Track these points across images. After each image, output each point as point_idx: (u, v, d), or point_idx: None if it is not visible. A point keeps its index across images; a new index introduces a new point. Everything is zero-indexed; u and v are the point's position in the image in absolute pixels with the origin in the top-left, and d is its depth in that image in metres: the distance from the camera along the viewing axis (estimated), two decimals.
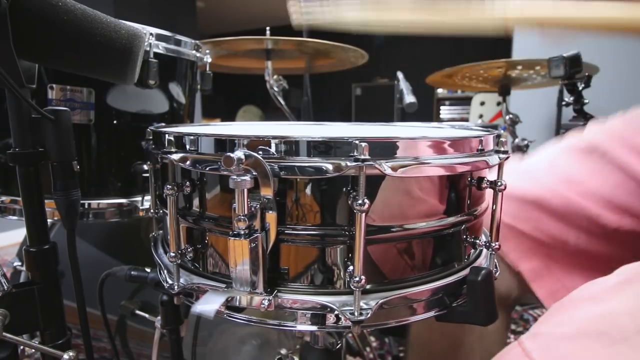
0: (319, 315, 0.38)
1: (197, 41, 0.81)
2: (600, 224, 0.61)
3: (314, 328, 0.39)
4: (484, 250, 0.49)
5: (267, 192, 0.35)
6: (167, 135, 0.41)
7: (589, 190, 0.62)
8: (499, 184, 0.43)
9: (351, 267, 0.37)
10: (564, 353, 0.36)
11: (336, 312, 0.37)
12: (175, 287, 0.42)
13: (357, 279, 0.36)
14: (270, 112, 5.21)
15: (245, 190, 0.34)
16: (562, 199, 0.63)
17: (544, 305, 0.66)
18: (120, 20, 0.48)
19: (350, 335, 0.91)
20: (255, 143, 0.36)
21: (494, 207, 0.45)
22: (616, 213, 0.60)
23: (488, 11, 0.61)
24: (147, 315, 0.69)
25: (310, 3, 0.69)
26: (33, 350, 0.66)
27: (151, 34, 0.68)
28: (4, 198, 0.69)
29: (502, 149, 0.44)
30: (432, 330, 0.76)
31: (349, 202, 0.36)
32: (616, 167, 0.61)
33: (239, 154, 0.33)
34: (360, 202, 0.34)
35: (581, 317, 0.39)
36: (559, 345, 0.37)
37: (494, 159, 0.42)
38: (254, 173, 0.34)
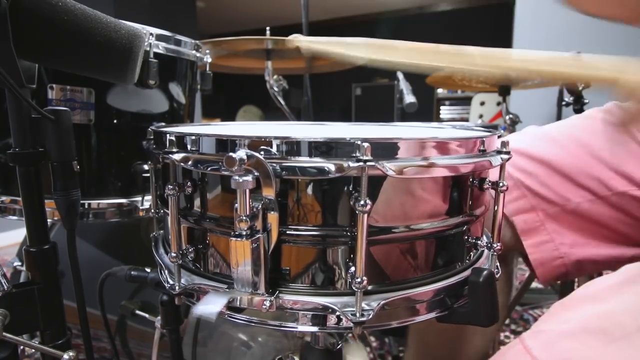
0: (320, 316, 0.38)
1: (197, 41, 0.81)
2: (608, 186, 0.62)
3: (315, 329, 0.39)
4: (486, 251, 0.49)
5: (268, 193, 0.35)
6: (168, 135, 0.41)
7: (602, 154, 0.63)
8: (501, 184, 0.43)
9: (353, 268, 0.37)
10: (565, 350, 0.36)
11: (337, 313, 0.37)
12: (177, 287, 0.42)
13: (358, 279, 0.35)
14: (270, 112, 5.21)
15: (247, 191, 0.34)
16: (574, 158, 0.65)
17: (527, 256, 0.66)
18: (120, 20, 0.48)
19: (350, 335, 0.91)
20: (257, 143, 0.36)
21: (495, 208, 0.44)
22: (626, 179, 0.62)
23: (491, 59, 0.63)
24: (147, 315, 0.69)
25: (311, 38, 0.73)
26: (33, 350, 0.66)
27: (151, 34, 0.68)
28: (4, 198, 0.69)
29: (504, 149, 0.44)
30: (433, 325, 0.77)
31: (351, 202, 0.36)
32: (633, 140, 0.63)
33: (240, 154, 0.33)
34: (362, 202, 0.34)
35: (582, 315, 0.39)
36: (560, 342, 0.37)
37: (496, 160, 0.42)
38: (255, 173, 0.34)
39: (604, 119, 0.67)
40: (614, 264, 0.62)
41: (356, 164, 0.34)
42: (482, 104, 3.27)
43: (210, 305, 0.36)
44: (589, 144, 0.65)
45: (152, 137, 0.49)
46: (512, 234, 0.69)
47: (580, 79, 0.66)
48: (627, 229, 0.63)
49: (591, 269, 0.72)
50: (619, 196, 0.62)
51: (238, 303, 0.38)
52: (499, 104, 3.03)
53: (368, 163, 0.34)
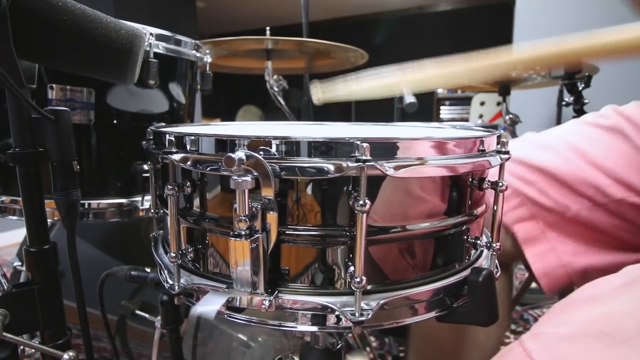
0: (319, 316, 0.38)
1: (197, 41, 0.81)
2: (606, 193, 0.62)
3: (314, 329, 0.39)
4: (485, 251, 0.49)
5: (268, 193, 0.35)
6: (167, 136, 0.41)
7: (599, 161, 0.63)
8: (500, 184, 0.43)
9: (352, 268, 0.37)
10: (565, 354, 0.36)
11: (337, 313, 0.37)
12: (176, 287, 0.42)
13: (358, 279, 0.35)
14: (270, 112, 5.21)
15: (246, 191, 0.34)
16: (571, 166, 0.64)
17: (530, 267, 0.66)
18: (120, 20, 0.48)
19: (350, 335, 0.91)
20: (256, 143, 0.36)
21: (495, 208, 0.44)
22: (624, 186, 0.62)
23: (495, 58, 0.63)
24: (147, 315, 0.69)
25: (328, 84, 0.75)
26: (33, 350, 0.66)
27: (151, 34, 0.68)
28: (4, 198, 0.69)
29: (503, 149, 0.44)
30: (435, 322, 0.76)
31: (350, 202, 0.36)
32: (630, 146, 0.63)
33: (240, 154, 0.33)
34: (361, 202, 0.34)
35: (583, 317, 0.39)
36: (560, 345, 0.37)
37: (495, 160, 0.42)
38: (254, 173, 0.34)
39: (599, 124, 0.67)
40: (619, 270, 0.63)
41: (355, 164, 0.34)
42: (482, 104, 3.26)
43: (210, 305, 0.37)
44: (585, 151, 0.65)
45: (151, 137, 0.49)
46: (512, 243, 0.69)
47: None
48: (628, 236, 0.63)
49: (596, 277, 0.72)
50: (617, 203, 0.62)
51: (237, 303, 0.38)
52: (499, 104, 3.03)
53: (367, 163, 0.34)
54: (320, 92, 0.78)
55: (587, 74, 1.08)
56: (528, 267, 0.68)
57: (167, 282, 0.44)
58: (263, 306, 0.37)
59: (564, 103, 1.13)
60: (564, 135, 0.70)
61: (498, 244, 0.45)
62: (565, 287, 0.66)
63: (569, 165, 0.65)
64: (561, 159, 0.66)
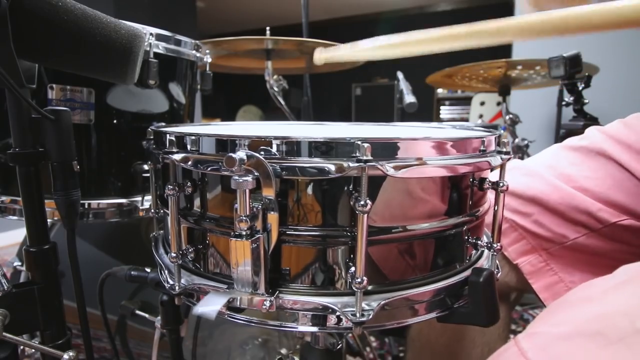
0: (320, 316, 0.38)
1: (197, 41, 0.81)
2: (599, 219, 0.62)
3: (315, 329, 0.39)
4: (486, 251, 0.49)
5: (268, 193, 0.35)
6: (168, 136, 0.41)
7: (588, 186, 0.63)
8: (501, 184, 0.43)
9: (353, 268, 0.37)
10: (560, 353, 0.36)
11: (337, 313, 0.37)
12: (176, 287, 0.42)
13: (358, 280, 0.35)
14: (270, 112, 5.22)
15: (247, 191, 0.34)
16: (562, 194, 0.64)
17: (540, 300, 0.67)
18: (120, 20, 0.48)
19: (350, 335, 0.91)
20: (257, 143, 0.36)
21: (495, 208, 0.44)
22: (615, 209, 0.61)
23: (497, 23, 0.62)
24: (147, 315, 0.69)
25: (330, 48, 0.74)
26: (33, 350, 0.66)
27: (151, 34, 0.68)
28: (4, 198, 0.69)
29: (504, 149, 0.44)
30: (433, 326, 0.77)
31: (351, 202, 0.36)
32: (615, 166, 0.63)
33: (240, 154, 0.33)
34: (362, 202, 0.34)
35: (578, 317, 0.39)
36: (555, 345, 0.37)
37: (496, 160, 0.42)
38: (255, 174, 0.34)
39: (582, 146, 0.67)
40: None
41: (356, 164, 0.34)
42: (482, 104, 3.26)
43: (210, 305, 0.36)
44: (571, 176, 0.65)
45: (152, 137, 0.49)
46: (518, 277, 0.69)
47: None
48: (630, 257, 0.62)
49: None
50: (611, 228, 0.61)
51: (238, 303, 0.38)
52: (499, 104, 3.03)
53: (368, 163, 0.34)
54: (323, 52, 0.77)
55: (587, 74, 1.08)
56: (540, 299, 0.68)
57: (168, 282, 0.44)
58: (264, 306, 0.37)
59: (564, 103, 1.13)
60: (550, 162, 0.69)
61: (499, 244, 0.45)
62: None
63: (558, 193, 0.64)
64: (549, 187, 0.65)
